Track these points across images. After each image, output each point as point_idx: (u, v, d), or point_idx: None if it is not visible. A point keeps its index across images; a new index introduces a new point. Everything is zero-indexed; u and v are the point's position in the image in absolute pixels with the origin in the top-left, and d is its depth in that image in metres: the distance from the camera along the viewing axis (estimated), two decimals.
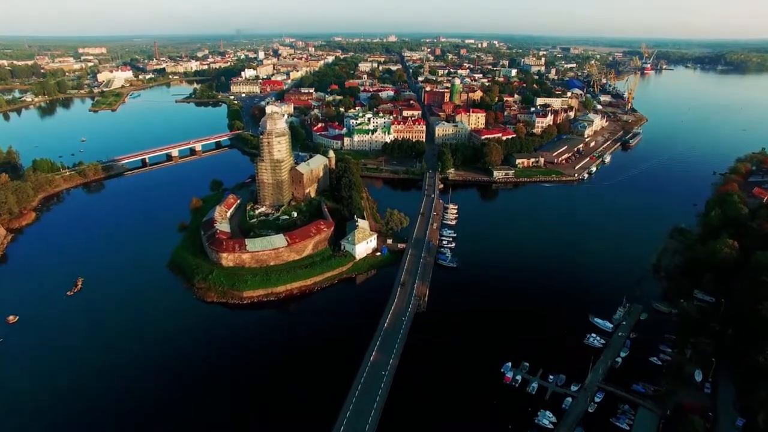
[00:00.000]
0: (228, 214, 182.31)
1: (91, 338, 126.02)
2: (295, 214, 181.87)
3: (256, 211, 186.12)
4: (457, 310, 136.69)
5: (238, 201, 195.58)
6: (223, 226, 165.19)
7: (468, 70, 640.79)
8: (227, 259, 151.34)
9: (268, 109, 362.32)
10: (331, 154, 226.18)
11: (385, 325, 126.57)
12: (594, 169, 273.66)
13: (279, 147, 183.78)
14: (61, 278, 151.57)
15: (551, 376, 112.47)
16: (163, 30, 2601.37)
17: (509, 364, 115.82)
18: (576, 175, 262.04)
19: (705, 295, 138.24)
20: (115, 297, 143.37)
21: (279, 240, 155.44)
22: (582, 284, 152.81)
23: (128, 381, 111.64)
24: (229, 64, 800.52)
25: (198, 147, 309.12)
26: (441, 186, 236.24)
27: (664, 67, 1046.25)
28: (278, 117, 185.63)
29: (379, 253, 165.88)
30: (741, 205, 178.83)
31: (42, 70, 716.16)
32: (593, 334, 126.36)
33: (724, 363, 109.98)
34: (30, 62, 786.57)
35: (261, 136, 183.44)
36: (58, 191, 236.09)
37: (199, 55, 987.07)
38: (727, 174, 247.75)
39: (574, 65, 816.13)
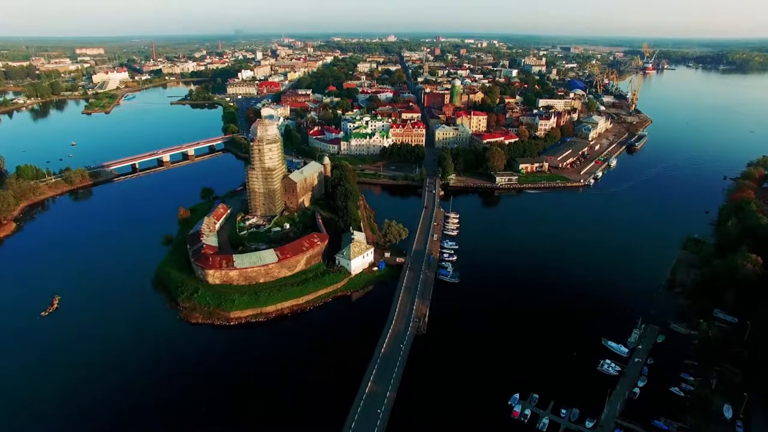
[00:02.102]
0: (217, 226, 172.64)
1: (63, 366, 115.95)
2: (288, 226, 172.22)
3: (247, 223, 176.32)
4: (459, 333, 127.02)
5: (229, 211, 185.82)
6: (210, 239, 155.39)
7: (468, 71, 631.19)
8: (214, 277, 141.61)
9: (264, 111, 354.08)
10: (327, 160, 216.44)
11: (382, 350, 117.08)
12: (600, 174, 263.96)
13: (270, 154, 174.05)
14: (36, 296, 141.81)
15: (563, 410, 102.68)
16: (163, 30, 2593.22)
17: (517, 395, 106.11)
18: (582, 180, 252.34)
19: (726, 314, 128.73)
20: (92, 318, 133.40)
21: (269, 255, 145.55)
22: (592, 302, 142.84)
23: (102, 414, 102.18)
24: (226, 65, 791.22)
25: (190, 151, 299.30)
26: (441, 193, 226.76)
27: (665, 66, 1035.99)
28: (269, 123, 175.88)
29: (376, 268, 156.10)
30: (760, 215, 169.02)
31: (37, 72, 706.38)
32: (607, 360, 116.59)
33: (756, 396, 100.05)
34: (25, 63, 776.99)
35: (251, 143, 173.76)
36: (42, 199, 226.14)
37: (197, 55, 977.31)
38: (740, 179, 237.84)
39: (575, 65, 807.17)
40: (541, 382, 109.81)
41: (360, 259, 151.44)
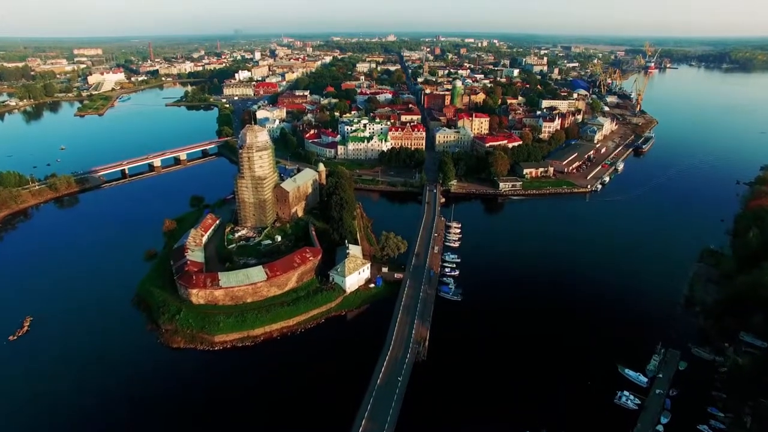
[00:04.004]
0: (204, 238, 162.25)
1: (30, 398, 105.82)
2: (279, 238, 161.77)
3: (236, 235, 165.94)
4: (462, 359, 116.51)
5: (218, 221, 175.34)
6: (195, 255, 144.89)
7: (469, 71, 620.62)
8: (198, 296, 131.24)
9: (259, 113, 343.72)
10: (321, 167, 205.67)
11: (379, 380, 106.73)
12: (607, 178, 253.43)
13: (261, 162, 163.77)
14: (6, 317, 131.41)
15: None
16: (163, 31, 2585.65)
17: None
18: (588, 186, 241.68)
19: (754, 338, 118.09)
20: (64, 343, 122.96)
21: (257, 273, 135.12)
22: (606, 322, 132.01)
23: None
24: (224, 65, 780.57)
25: (182, 156, 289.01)
26: (442, 200, 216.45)
27: (668, 65, 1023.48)
28: (259, 129, 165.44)
29: (372, 285, 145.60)
30: None
31: (32, 73, 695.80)
32: (626, 392, 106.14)
33: None
34: (20, 64, 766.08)
35: (240, 150, 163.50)
36: (24, 207, 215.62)
37: (195, 56, 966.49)
38: (755, 185, 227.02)
39: (577, 64, 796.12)
40: (553, 416, 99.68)
41: (355, 275, 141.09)
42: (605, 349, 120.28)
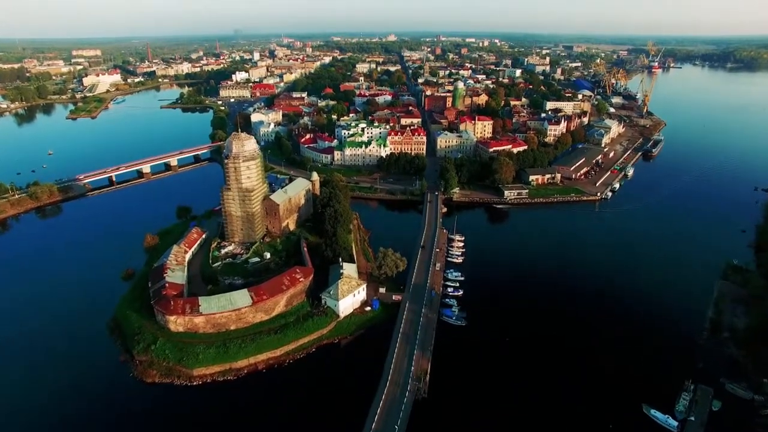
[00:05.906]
0: (188, 255, 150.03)
1: None
2: (269, 255, 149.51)
3: (222, 251, 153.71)
4: (467, 396, 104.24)
5: (203, 236, 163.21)
6: (175, 276, 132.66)
7: (470, 71, 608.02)
8: (176, 324, 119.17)
9: (254, 117, 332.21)
10: (315, 176, 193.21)
11: (374, 425, 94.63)
12: (617, 185, 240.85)
13: (248, 173, 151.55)
14: None
15: None
16: (162, 31, 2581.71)
17: None
18: (598, 193, 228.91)
19: None
20: (27, 375, 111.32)
21: (241, 298, 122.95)
22: (627, 352, 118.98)
23: None
24: (222, 66, 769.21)
25: (173, 162, 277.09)
26: (444, 209, 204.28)
27: (671, 65, 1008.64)
28: (246, 137, 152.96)
29: (368, 308, 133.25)
30: None
31: (27, 74, 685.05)
32: None
33: None
34: (16, 65, 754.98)
35: (226, 160, 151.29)
36: (2, 218, 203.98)
37: (193, 56, 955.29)
38: None
39: (579, 64, 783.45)
40: None
41: (350, 298, 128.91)
42: (626, 383, 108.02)
